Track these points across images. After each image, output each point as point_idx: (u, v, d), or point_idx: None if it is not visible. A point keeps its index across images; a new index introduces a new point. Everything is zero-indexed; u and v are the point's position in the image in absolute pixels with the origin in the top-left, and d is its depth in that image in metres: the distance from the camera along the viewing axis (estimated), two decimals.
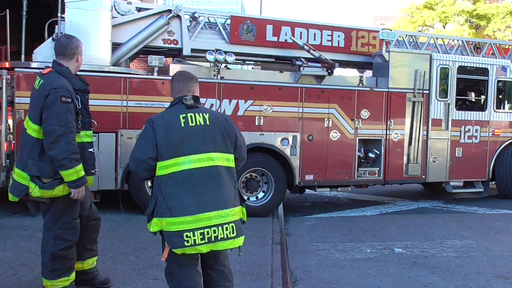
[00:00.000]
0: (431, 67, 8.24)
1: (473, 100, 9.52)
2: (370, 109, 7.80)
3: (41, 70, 3.56)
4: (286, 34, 7.95)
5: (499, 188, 9.14)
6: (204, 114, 2.92)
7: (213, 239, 2.76)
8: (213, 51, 7.11)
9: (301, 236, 6.43)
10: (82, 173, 3.34)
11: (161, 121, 2.85)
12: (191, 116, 2.88)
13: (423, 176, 8.28)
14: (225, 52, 7.22)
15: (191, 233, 2.72)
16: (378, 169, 7.96)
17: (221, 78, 7.20)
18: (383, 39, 8.03)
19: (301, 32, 8.06)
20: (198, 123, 2.87)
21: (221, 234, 2.78)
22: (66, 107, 3.27)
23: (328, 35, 8.28)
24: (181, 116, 2.86)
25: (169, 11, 7.35)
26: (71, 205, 3.49)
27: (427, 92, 8.20)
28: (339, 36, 8.36)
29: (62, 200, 3.41)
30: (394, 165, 8.03)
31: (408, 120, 8.10)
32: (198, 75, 7.07)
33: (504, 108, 9.15)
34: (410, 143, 8.08)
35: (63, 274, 3.48)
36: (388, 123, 7.94)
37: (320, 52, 7.84)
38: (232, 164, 2.98)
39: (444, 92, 8.46)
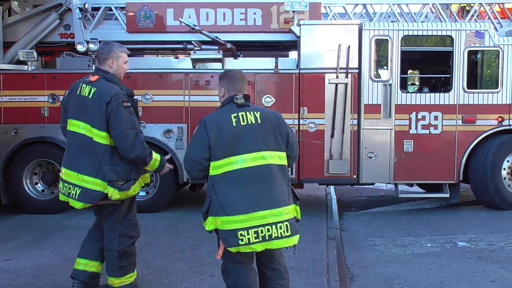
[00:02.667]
0: (361, 40, 6.65)
1: (432, 78, 7.76)
2: (275, 95, 6.71)
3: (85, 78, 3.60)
4: (189, 17, 7.16)
5: (475, 194, 7.03)
6: (255, 113, 2.92)
7: (267, 238, 2.75)
8: (86, 42, 6.85)
9: (357, 231, 6.30)
10: (159, 156, 3.60)
11: (213, 122, 2.88)
12: (242, 115, 2.88)
13: (354, 176, 6.71)
14: (100, 41, 6.75)
15: (245, 231, 2.73)
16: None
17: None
18: (294, 11, 6.68)
19: (207, 13, 7.18)
20: (250, 122, 2.87)
21: (275, 233, 2.76)
22: (129, 110, 3.42)
23: (241, 13, 7.15)
24: (232, 115, 2.87)
25: (60, 5, 7.21)
26: (134, 203, 3.67)
27: (356, 71, 6.66)
28: (255, 13, 7.14)
29: (127, 199, 3.55)
30: (311, 161, 6.68)
31: (329, 107, 6.64)
32: (78, 67, 6.96)
33: (480, 87, 7.00)
34: (332, 135, 6.63)
35: (129, 270, 3.63)
36: (300, 111, 6.65)
37: (235, 34, 7.11)
38: (285, 162, 2.96)
39: (382, 71, 6.89)
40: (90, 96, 3.42)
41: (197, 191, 7.50)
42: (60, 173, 3.62)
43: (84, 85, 3.48)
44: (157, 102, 6.73)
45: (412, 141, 6.70)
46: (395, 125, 6.69)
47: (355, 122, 6.71)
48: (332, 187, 9.33)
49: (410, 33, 6.77)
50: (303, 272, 4.42)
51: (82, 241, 5.51)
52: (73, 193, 3.46)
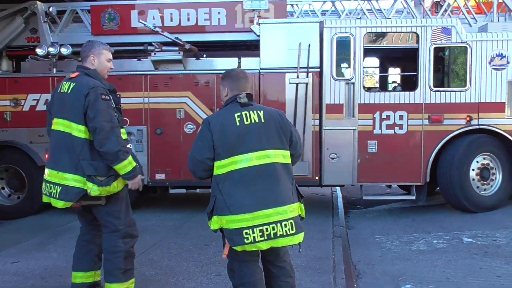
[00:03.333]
0: (322, 38, 6.48)
1: (398, 76, 7.54)
2: None
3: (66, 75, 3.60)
4: (154, 18, 7.15)
5: (443, 196, 6.86)
6: (259, 112, 2.93)
7: (272, 236, 2.76)
8: (48, 46, 6.92)
9: (363, 229, 6.30)
10: (134, 163, 3.40)
11: (216, 121, 2.89)
12: (246, 114, 2.89)
13: (316, 178, 6.52)
14: (61, 45, 6.89)
15: (251, 230, 2.74)
16: None
17: (59, 71, 6.89)
18: (253, 10, 6.54)
19: (171, 14, 7.15)
20: (253, 121, 2.88)
21: (280, 231, 2.77)
22: (107, 103, 3.33)
23: (205, 13, 7.11)
24: (236, 115, 2.88)
25: (25, 9, 7.26)
26: (128, 202, 3.59)
27: (318, 70, 6.52)
28: (219, 13, 7.09)
29: (122, 197, 3.48)
30: None
31: (290, 107, 6.51)
32: (39, 71, 7.00)
33: (448, 85, 6.80)
34: None
35: (132, 274, 3.53)
36: None
37: (200, 34, 7.10)
38: (289, 161, 2.97)
39: (344, 69, 6.69)
40: (69, 92, 3.36)
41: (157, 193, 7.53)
42: (44, 174, 3.51)
43: (65, 82, 3.43)
44: None
45: (376, 141, 6.48)
46: (358, 125, 6.49)
47: (317, 122, 6.54)
48: None
49: (373, 30, 6.55)
50: (310, 270, 4.43)
51: None
52: (54, 192, 3.37)
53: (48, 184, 3.42)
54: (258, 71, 6.59)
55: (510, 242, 5.27)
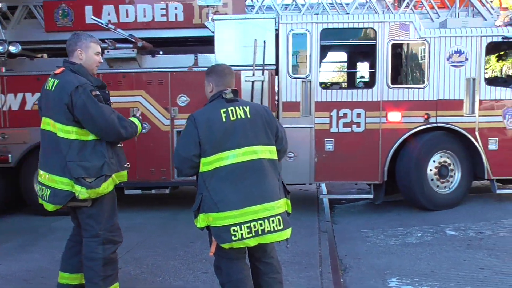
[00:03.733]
0: (278, 34, 6.34)
1: (355, 73, 7.40)
2: (190, 94, 6.45)
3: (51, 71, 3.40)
4: (109, 14, 6.89)
5: (403, 194, 6.74)
6: (245, 107, 2.91)
7: (260, 232, 2.75)
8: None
9: (348, 224, 6.35)
10: (134, 119, 3.54)
11: (202, 117, 2.85)
12: (231, 110, 2.86)
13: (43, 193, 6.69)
14: (10, 42, 6.58)
15: (238, 227, 2.72)
16: None
17: (8, 70, 6.74)
18: (208, 6, 6.36)
19: (127, 10, 6.92)
20: (239, 117, 2.86)
21: (267, 227, 2.76)
22: (99, 98, 3.22)
23: (162, 8, 6.89)
24: (222, 110, 2.85)
25: None
26: (114, 205, 3.42)
27: (274, 67, 6.39)
28: (176, 8, 6.86)
29: (107, 202, 3.32)
30: None
31: None
32: None
33: (406, 83, 6.71)
34: None
35: (114, 279, 3.37)
36: None
37: (157, 31, 6.92)
38: (275, 156, 2.96)
39: (301, 67, 6.46)
40: (52, 89, 3.21)
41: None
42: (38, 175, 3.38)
43: (50, 79, 3.28)
44: None
45: (333, 140, 6.36)
46: (315, 123, 6.36)
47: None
48: None
49: (330, 26, 6.33)
50: (296, 266, 4.45)
51: None
52: (45, 195, 3.26)
53: (40, 186, 3.32)
54: None
55: (492, 234, 5.38)
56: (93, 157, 3.19)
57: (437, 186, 6.45)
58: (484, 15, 6.89)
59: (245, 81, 6.36)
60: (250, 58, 6.33)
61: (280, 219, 2.81)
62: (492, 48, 6.74)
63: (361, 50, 7.12)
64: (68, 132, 3.16)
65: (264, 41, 6.28)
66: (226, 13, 6.72)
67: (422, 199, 6.43)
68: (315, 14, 6.81)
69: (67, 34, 6.62)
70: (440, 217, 6.24)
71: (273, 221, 2.77)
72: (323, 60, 6.50)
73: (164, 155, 6.58)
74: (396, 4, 7.56)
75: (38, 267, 4.65)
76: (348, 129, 6.35)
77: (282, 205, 2.87)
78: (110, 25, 6.63)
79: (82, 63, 3.33)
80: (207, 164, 2.80)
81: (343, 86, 7.03)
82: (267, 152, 2.89)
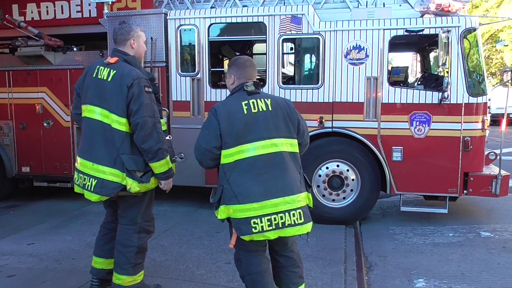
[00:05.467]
0: (167, 30, 6.09)
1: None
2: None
3: (103, 60, 3.35)
4: (32, 12, 7.08)
5: None
6: (266, 100, 2.87)
7: (280, 226, 2.72)
8: None
9: (376, 220, 6.21)
10: (171, 164, 3.30)
11: (223, 110, 2.83)
12: (253, 102, 2.83)
13: (88, 183, 6.36)
14: None
15: (259, 219, 2.70)
16: None
17: None
18: (103, 2, 6.23)
19: (47, 7, 7.07)
20: (261, 109, 2.82)
21: (288, 221, 2.72)
22: (150, 97, 3.18)
23: (77, 5, 6.93)
24: (243, 103, 2.83)
25: None
26: (152, 196, 3.48)
27: (164, 65, 6.12)
28: (89, 4, 6.85)
29: (149, 193, 3.37)
30: None
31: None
32: None
33: (298, 82, 6.04)
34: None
35: (142, 267, 3.46)
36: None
37: (71, 27, 7.00)
38: (296, 150, 2.91)
39: (190, 64, 6.12)
40: (109, 79, 3.16)
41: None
42: (76, 163, 3.37)
43: (102, 68, 3.22)
44: None
45: None
46: None
47: (165, 120, 6.16)
48: None
49: (218, 20, 5.94)
50: (320, 261, 4.39)
51: None
52: (88, 185, 3.22)
53: (81, 175, 3.27)
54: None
55: None
56: (163, 151, 3.20)
57: (323, 195, 5.72)
58: (411, 2, 5.86)
59: None
60: (146, 54, 6.10)
61: (301, 212, 2.77)
62: (399, 43, 6.04)
63: (252, 46, 6.67)
64: (122, 124, 3.16)
65: (152, 38, 6.08)
66: (135, 8, 6.59)
67: None
68: (212, 7, 6.39)
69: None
70: (475, 217, 6.02)
71: (293, 215, 2.74)
72: (213, 57, 6.18)
73: (66, 150, 6.76)
74: None
75: (69, 249, 4.82)
76: None
77: (303, 198, 2.82)
78: (22, 23, 6.81)
79: (134, 53, 3.35)
80: (228, 156, 2.78)
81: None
82: (288, 145, 2.84)
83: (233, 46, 6.10)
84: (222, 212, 2.82)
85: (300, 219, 2.77)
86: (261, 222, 2.70)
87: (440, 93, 5.30)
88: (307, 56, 6.14)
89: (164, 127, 3.50)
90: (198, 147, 2.88)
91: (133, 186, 3.15)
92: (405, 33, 5.44)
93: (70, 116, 6.63)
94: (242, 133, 2.77)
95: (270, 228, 2.71)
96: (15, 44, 6.75)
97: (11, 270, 4.23)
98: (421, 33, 5.41)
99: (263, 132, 2.79)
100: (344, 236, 5.20)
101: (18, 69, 6.86)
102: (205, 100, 6.03)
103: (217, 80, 6.52)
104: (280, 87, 5.79)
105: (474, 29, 5.46)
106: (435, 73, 6.58)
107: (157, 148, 3.14)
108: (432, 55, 7.07)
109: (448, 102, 5.34)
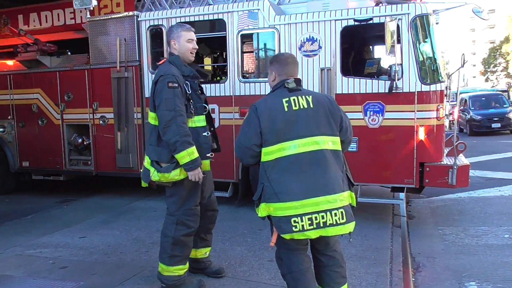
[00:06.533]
0: (139, 31, 6.47)
1: (215, 68, 7.24)
2: (73, 91, 7.05)
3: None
4: (34, 21, 7.93)
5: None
6: (307, 97, 2.81)
7: (321, 225, 2.66)
8: None
9: (425, 219, 5.98)
10: (195, 155, 3.34)
11: (264, 107, 2.81)
12: (294, 99, 2.79)
13: (141, 170, 6.35)
14: None
15: (299, 218, 2.66)
16: (90, 158, 7.03)
17: None
18: (85, 8, 6.66)
19: (46, 16, 7.88)
20: (302, 107, 2.77)
21: (329, 220, 2.66)
22: (173, 92, 3.33)
23: (70, 12, 7.62)
24: (284, 100, 2.79)
25: None
26: (194, 191, 3.53)
27: (137, 64, 6.52)
28: (81, 11, 7.34)
29: (186, 185, 3.45)
30: (105, 154, 6.89)
31: (115, 101, 6.66)
32: None
33: (258, 76, 6.16)
34: (119, 129, 6.65)
35: (180, 262, 3.52)
36: (93, 106, 6.89)
37: (66, 33, 7.64)
38: (339, 147, 2.83)
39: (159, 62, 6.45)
40: (153, 79, 3.53)
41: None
42: None
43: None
44: None
45: None
46: None
47: (140, 115, 6.55)
48: None
49: (183, 19, 6.13)
50: (365, 261, 4.28)
51: (148, 222, 5.82)
52: (141, 171, 3.66)
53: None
54: (89, 67, 6.94)
55: None
56: (184, 143, 3.31)
57: None
58: None
59: (113, 77, 6.65)
60: (117, 55, 6.59)
61: (343, 212, 2.69)
62: (351, 33, 5.94)
63: (217, 43, 6.73)
64: (152, 118, 3.46)
65: (125, 39, 6.54)
66: (119, 12, 6.96)
67: None
68: (181, 7, 6.64)
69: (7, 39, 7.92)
70: None
71: (335, 214, 2.67)
72: None
73: (57, 146, 7.28)
74: None
75: (117, 243, 4.99)
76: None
77: (345, 198, 2.74)
78: (21, 31, 7.66)
79: (178, 53, 3.56)
80: (268, 154, 2.76)
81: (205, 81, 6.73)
82: (330, 142, 2.77)
83: (209, 43, 6.51)
84: (263, 210, 2.80)
85: (342, 218, 2.70)
86: (302, 221, 2.66)
87: (390, 82, 5.19)
88: (265, 50, 6.26)
89: (203, 123, 3.60)
90: (239, 144, 2.87)
91: (154, 174, 3.40)
92: (355, 23, 5.43)
93: (60, 114, 7.22)
94: (282, 131, 2.73)
95: (311, 227, 2.66)
96: (16, 50, 7.69)
97: (64, 262, 4.43)
98: (370, 22, 5.35)
99: (304, 129, 2.73)
100: (390, 235, 5.04)
101: (17, 73, 7.64)
102: None
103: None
104: (240, 81, 5.99)
105: (426, 16, 5.33)
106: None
107: (174, 141, 3.28)
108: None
109: (401, 91, 5.20)
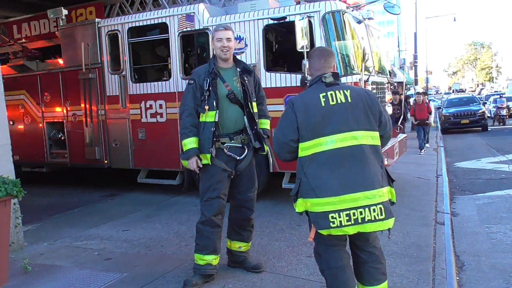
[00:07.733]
0: (100, 36, 7.24)
1: (157, 67, 7.62)
2: (51, 92, 7.90)
3: None
4: (25, 30, 8.86)
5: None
6: (345, 91, 2.77)
7: (359, 221, 2.62)
8: None
9: (471, 217, 5.76)
10: (188, 147, 3.62)
11: (300, 102, 2.79)
12: (331, 94, 2.75)
13: (106, 161, 7.44)
14: None
15: (337, 214, 2.63)
16: (66, 151, 7.84)
17: None
18: (57, 17, 7.61)
19: (34, 25, 8.85)
20: (339, 101, 2.74)
21: (368, 216, 2.62)
22: (188, 88, 3.72)
23: (53, 21, 8.33)
24: (321, 95, 2.76)
25: None
26: (209, 184, 3.66)
27: (99, 66, 7.30)
28: (55, 21, 8.17)
29: (202, 178, 3.72)
30: (76, 148, 7.71)
31: (83, 99, 7.45)
32: None
33: None
34: (87, 125, 7.45)
35: (200, 250, 3.65)
36: (66, 105, 7.73)
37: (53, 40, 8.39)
38: (378, 142, 2.78)
39: (117, 63, 7.19)
40: None
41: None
42: None
43: None
44: None
45: (144, 129, 7.00)
46: (130, 114, 7.10)
47: (103, 112, 7.37)
48: (444, 169, 8.68)
49: (134, 24, 6.94)
50: (406, 258, 4.18)
51: (190, 216, 5.94)
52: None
53: None
54: (62, 69, 7.79)
55: None
56: (182, 135, 3.67)
57: None
58: None
59: (80, 79, 7.40)
60: (84, 58, 7.32)
61: (382, 208, 2.64)
62: (274, 32, 6.61)
63: (163, 44, 7.28)
64: None
65: (88, 44, 7.31)
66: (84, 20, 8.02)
67: None
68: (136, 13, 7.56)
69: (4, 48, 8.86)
70: None
71: (374, 210, 2.62)
72: (133, 56, 7.12)
73: (40, 141, 8.20)
74: None
75: (159, 236, 5.12)
76: (154, 119, 6.91)
77: (384, 193, 2.69)
78: (11, 40, 8.66)
79: (215, 50, 3.73)
80: (305, 149, 2.74)
81: (149, 79, 7.40)
82: (369, 137, 2.72)
83: (168, 45, 6.94)
84: (300, 205, 2.80)
85: (381, 214, 2.65)
86: (340, 217, 2.63)
87: (301, 75, 5.62)
88: (201, 49, 6.84)
89: (211, 119, 3.61)
90: (276, 140, 2.87)
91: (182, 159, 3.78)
92: (273, 22, 5.95)
93: (41, 113, 8.14)
94: (319, 126, 2.71)
95: (349, 223, 2.63)
96: (8, 57, 8.75)
97: (108, 253, 4.61)
98: (287, 20, 5.76)
99: (342, 124, 2.70)
100: (433, 232, 4.89)
101: (8, 77, 8.21)
102: (129, 93, 7.11)
103: (140, 76, 7.44)
104: (182, 78, 6.60)
105: (337, 12, 5.71)
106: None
107: (182, 133, 3.68)
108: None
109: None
